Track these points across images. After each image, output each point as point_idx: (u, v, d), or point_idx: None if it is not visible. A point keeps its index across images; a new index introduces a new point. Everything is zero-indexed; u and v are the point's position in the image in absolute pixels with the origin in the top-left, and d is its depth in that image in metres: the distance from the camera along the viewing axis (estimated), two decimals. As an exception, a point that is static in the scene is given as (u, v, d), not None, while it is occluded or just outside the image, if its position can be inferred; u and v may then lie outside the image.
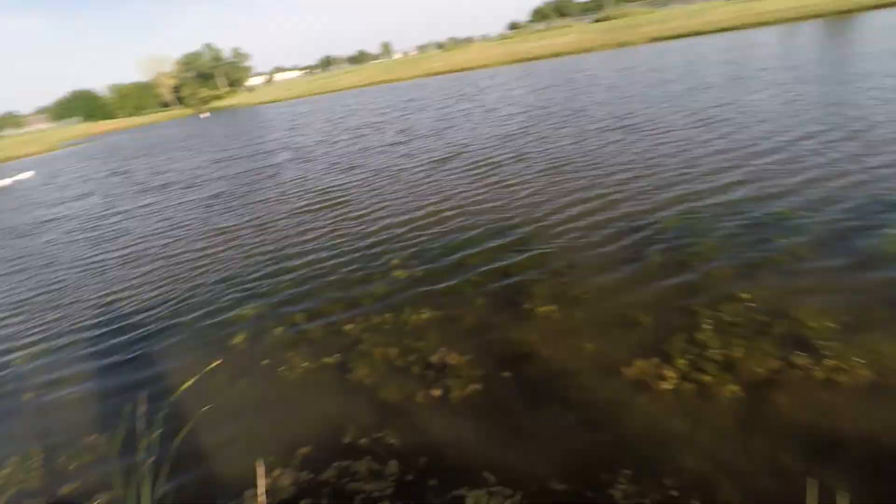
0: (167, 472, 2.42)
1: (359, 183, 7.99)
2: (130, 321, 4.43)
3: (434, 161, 8.54)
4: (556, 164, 6.99)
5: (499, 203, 5.82)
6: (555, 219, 5.04)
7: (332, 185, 8.22)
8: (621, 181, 5.81)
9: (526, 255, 4.35)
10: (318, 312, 3.96)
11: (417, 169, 8.23)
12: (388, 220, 5.92)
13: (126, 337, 4.15)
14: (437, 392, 2.83)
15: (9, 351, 4.33)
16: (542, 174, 6.65)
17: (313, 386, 3.10)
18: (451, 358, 3.09)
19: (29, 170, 21.76)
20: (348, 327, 3.65)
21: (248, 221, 6.91)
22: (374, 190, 7.40)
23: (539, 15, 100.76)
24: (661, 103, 9.97)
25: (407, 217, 5.91)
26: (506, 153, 8.15)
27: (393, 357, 3.22)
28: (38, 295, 5.62)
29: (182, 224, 7.54)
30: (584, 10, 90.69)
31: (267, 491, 2.26)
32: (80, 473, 2.65)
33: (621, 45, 28.58)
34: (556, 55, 31.95)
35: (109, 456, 2.68)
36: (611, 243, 4.30)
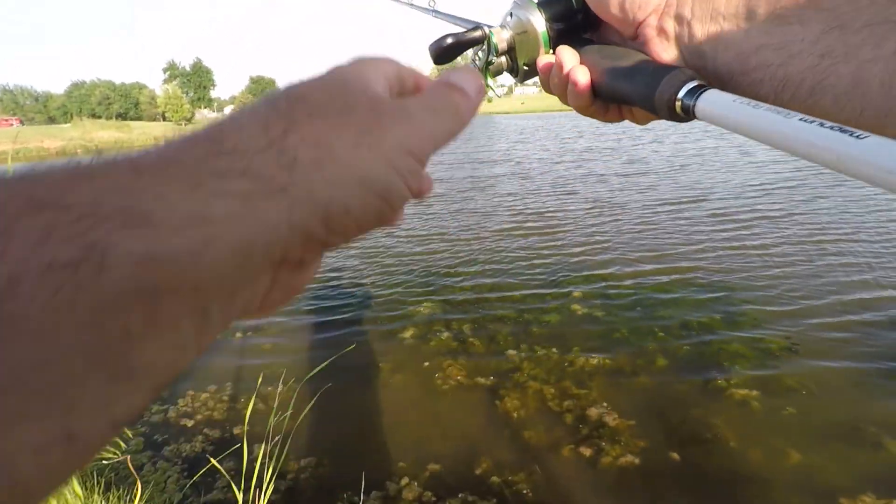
0: (299, 447, 2.60)
1: (572, 210, 7.54)
2: (323, 295, 4.96)
3: (664, 202, 7.50)
4: (822, 231, 5.57)
5: (730, 266, 4.98)
6: (793, 293, 4.12)
7: (543, 207, 7.91)
8: None
9: (733, 323, 3.68)
10: (486, 328, 3.91)
11: (643, 207, 7.33)
12: (581, 252, 5.63)
13: (315, 305, 4.65)
14: (587, 451, 2.53)
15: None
16: (802, 242, 5.27)
17: (461, 403, 3.04)
18: (611, 418, 2.74)
19: None
20: (511, 352, 3.52)
21: (454, 229, 7.12)
22: (585, 221, 6.93)
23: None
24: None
25: (607, 256, 5.55)
26: (761, 211, 6.60)
27: (548, 397, 2.98)
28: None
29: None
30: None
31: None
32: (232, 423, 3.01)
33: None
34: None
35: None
36: (857, 334, 3.37)
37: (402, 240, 6.62)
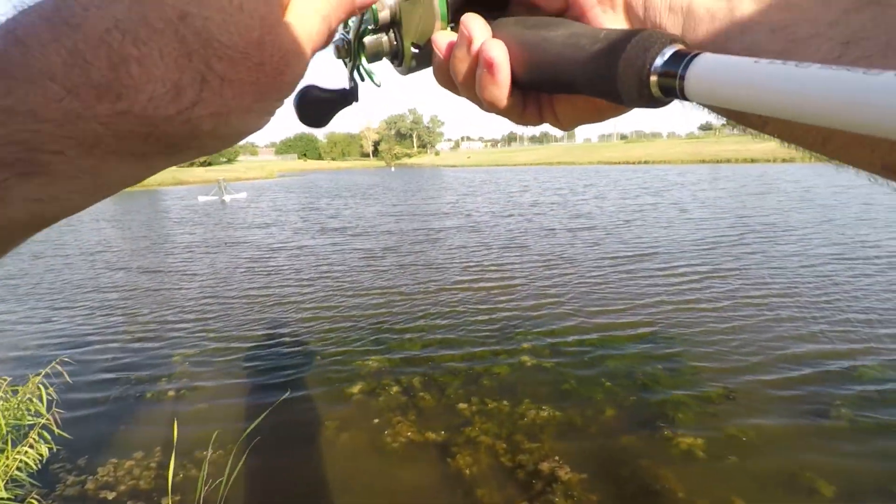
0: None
1: (521, 264, 7.63)
2: (265, 352, 4.76)
3: (614, 258, 7.64)
4: (761, 286, 5.80)
5: (673, 320, 5.19)
6: (732, 346, 4.31)
7: (492, 261, 7.98)
8: (852, 324, 4.78)
9: (677, 375, 3.80)
10: (436, 381, 3.85)
11: (591, 263, 7.45)
12: (530, 305, 5.73)
13: (256, 362, 4.45)
14: (540, 509, 2.48)
15: (171, 346, 4.86)
16: (741, 297, 5.59)
17: (412, 461, 2.93)
18: (563, 472, 2.71)
19: (244, 191, 25.93)
20: (462, 405, 3.46)
21: (403, 283, 7.07)
22: (533, 275, 7.06)
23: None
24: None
25: (556, 309, 5.66)
26: (702, 267, 6.87)
27: (500, 452, 2.93)
28: (199, 308, 6.33)
29: (342, 272, 8.05)
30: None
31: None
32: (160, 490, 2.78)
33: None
34: (751, 161, 30.83)
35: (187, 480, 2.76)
36: (793, 386, 3.53)
37: (350, 295, 6.51)
